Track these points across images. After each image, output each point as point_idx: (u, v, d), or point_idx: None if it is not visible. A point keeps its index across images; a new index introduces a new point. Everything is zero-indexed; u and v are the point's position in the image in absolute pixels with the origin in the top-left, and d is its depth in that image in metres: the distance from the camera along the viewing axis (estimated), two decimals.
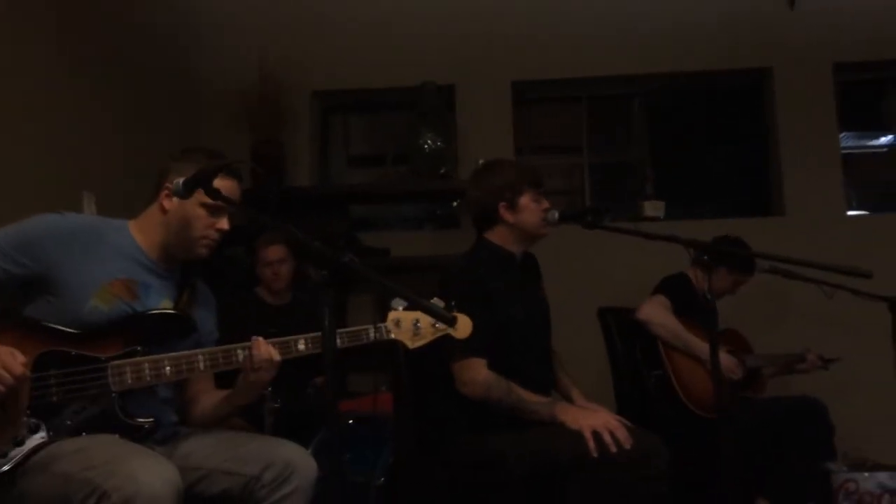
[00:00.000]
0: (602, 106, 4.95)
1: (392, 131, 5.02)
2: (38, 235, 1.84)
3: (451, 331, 2.04)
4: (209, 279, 2.23)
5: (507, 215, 2.57)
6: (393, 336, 2.01)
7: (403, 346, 2.04)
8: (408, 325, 2.01)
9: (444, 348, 2.22)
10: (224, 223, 1.96)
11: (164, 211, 1.96)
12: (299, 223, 4.25)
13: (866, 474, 3.49)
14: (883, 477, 3.47)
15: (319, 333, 1.88)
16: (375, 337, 1.98)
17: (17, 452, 1.67)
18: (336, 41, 4.64)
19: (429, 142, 4.30)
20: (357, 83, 4.69)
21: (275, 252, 3.58)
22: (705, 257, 2.14)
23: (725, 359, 3.10)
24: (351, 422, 2.89)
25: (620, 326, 3.32)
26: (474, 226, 2.70)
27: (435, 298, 2.00)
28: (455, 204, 4.81)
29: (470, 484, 2.42)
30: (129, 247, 1.95)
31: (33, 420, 1.71)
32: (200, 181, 1.72)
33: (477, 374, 2.36)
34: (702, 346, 3.07)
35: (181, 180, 1.76)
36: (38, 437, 1.70)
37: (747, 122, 4.77)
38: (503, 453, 2.33)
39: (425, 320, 2.02)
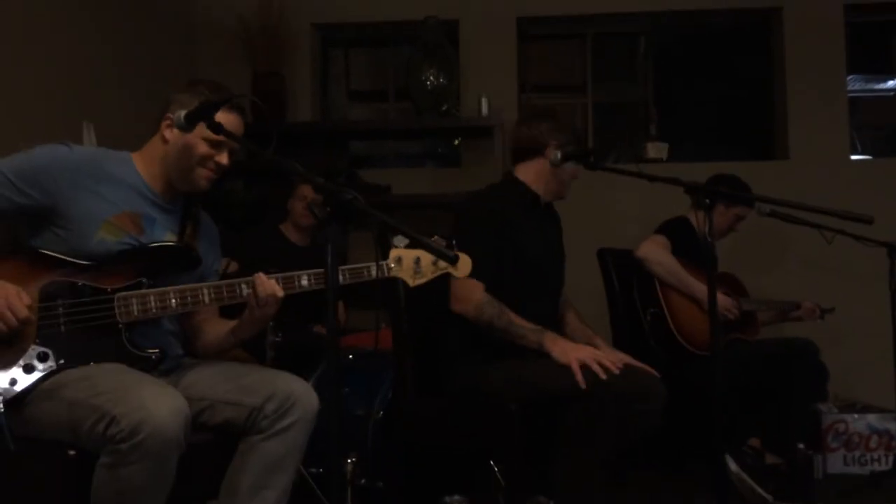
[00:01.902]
0: (607, 44, 4.86)
1: (393, 66, 4.94)
2: (45, 166, 1.83)
3: (451, 269, 2.05)
4: (211, 216, 2.23)
5: (552, 157, 2.59)
6: (394, 274, 2.02)
7: (404, 283, 2.05)
8: (409, 263, 2.02)
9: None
10: (224, 157, 1.95)
11: (165, 141, 1.95)
12: (299, 159, 4.27)
13: (856, 415, 3.57)
14: (872, 418, 3.55)
15: (322, 270, 1.93)
16: (377, 274, 1.99)
17: (27, 380, 1.70)
18: None
19: (431, 78, 4.23)
20: (358, 15, 4.60)
21: (310, 191, 3.59)
22: (707, 200, 2.13)
23: (722, 298, 3.14)
24: (351, 357, 2.91)
25: (619, 267, 3.33)
26: (511, 153, 2.73)
27: (436, 237, 2.00)
28: (456, 142, 4.78)
29: (467, 416, 2.47)
30: (134, 180, 1.95)
31: (42, 349, 1.73)
32: (203, 114, 1.71)
33: (472, 293, 2.42)
34: (698, 286, 3.10)
35: (183, 112, 1.75)
36: (47, 366, 1.73)
37: (754, 64, 4.70)
38: (499, 385, 2.38)
39: (426, 258, 2.03)
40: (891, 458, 3.46)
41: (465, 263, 2.08)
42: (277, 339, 2.92)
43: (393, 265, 2.01)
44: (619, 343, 3.25)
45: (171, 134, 1.93)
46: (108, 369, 1.73)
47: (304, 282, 1.95)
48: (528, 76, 4.72)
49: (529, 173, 2.66)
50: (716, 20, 4.67)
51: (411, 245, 2.02)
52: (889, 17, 4.62)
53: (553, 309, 2.70)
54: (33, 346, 1.73)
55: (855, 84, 4.73)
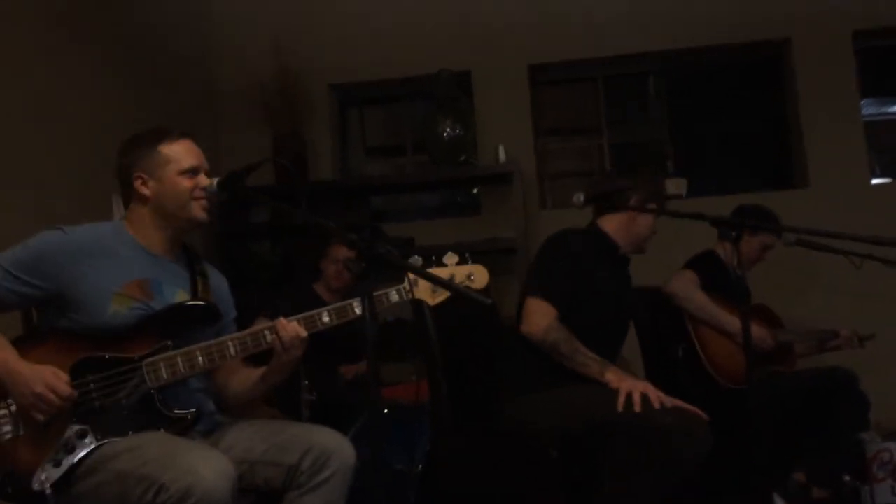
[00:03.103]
0: (618, 85, 4.92)
1: (409, 120, 5.03)
2: (43, 254, 1.86)
3: (468, 282, 2.05)
4: (238, 277, 2.26)
5: (635, 210, 2.69)
6: (413, 295, 2.02)
7: (426, 304, 2.04)
8: (426, 283, 2.02)
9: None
10: (204, 179, 1.98)
11: (145, 200, 1.98)
12: (321, 217, 4.33)
13: None
14: None
15: (342, 304, 1.98)
16: (398, 297, 2.00)
17: (69, 459, 1.72)
18: (350, 32, 4.65)
19: (447, 129, 4.30)
20: (373, 74, 4.71)
21: (344, 251, 3.63)
22: (732, 232, 2.14)
23: (757, 330, 3.11)
24: (386, 410, 2.91)
25: (648, 304, 3.32)
26: (594, 204, 2.79)
27: (448, 254, 2.05)
28: (475, 191, 4.83)
29: (506, 460, 2.46)
30: (132, 247, 1.98)
31: (80, 426, 1.75)
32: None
33: (543, 317, 2.47)
34: (730, 319, 3.09)
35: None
36: (88, 442, 1.74)
37: (767, 95, 4.73)
38: (541, 416, 2.40)
39: (443, 275, 2.02)
40: None
41: (480, 274, 2.08)
42: (312, 397, 2.94)
43: (409, 287, 2.01)
44: (651, 379, 3.22)
45: (149, 188, 1.97)
46: (150, 438, 1.75)
47: (326, 318, 1.97)
48: (543, 121, 4.78)
49: (612, 224, 2.73)
50: (725, 55, 4.72)
51: (426, 269, 2.02)
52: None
53: (612, 359, 2.70)
54: (71, 426, 1.75)
55: (869, 108, 4.74)
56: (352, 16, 4.66)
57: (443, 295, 2.03)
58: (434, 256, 2.06)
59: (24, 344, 1.82)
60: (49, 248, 1.88)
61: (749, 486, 3.05)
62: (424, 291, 2.02)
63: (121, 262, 1.93)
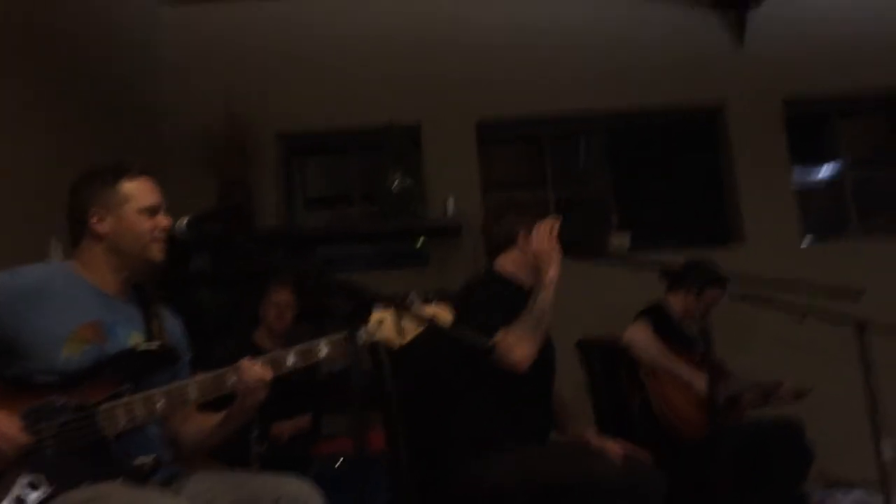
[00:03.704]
0: (564, 142, 5.06)
1: (352, 172, 5.03)
2: None
3: (435, 317, 1.96)
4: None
5: (524, 243, 2.64)
6: (378, 337, 1.93)
7: (388, 344, 1.95)
8: (389, 323, 1.94)
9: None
10: (164, 219, 1.92)
11: (100, 238, 1.89)
12: (266, 264, 4.22)
13: (842, 493, 3.57)
14: (857, 494, 3.56)
15: (307, 345, 1.91)
16: (364, 339, 1.91)
17: None
18: (299, 83, 4.67)
19: (396, 181, 4.33)
20: (321, 125, 4.71)
21: (284, 295, 3.57)
22: (699, 285, 2.18)
23: (707, 380, 3.16)
24: (338, 464, 2.83)
25: (600, 355, 3.35)
26: (487, 252, 2.75)
27: (412, 292, 1.99)
28: (419, 243, 4.83)
29: None
30: (82, 289, 1.88)
31: (31, 476, 1.63)
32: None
33: (507, 338, 2.38)
34: (685, 369, 3.14)
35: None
36: (40, 494, 1.62)
37: (705, 154, 4.93)
38: (503, 478, 2.34)
39: (408, 315, 1.95)
40: None
41: (443, 314, 2.01)
42: (261, 449, 2.84)
43: (375, 328, 1.92)
44: (604, 432, 3.23)
45: (105, 226, 1.89)
46: (109, 489, 1.63)
47: (291, 360, 1.89)
48: (491, 175, 4.85)
49: (507, 264, 2.70)
50: (664, 117, 4.91)
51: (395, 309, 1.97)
52: (824, 110, 4.93)
53: (549, 407, 2.68)
54: (21, 476, 1.63)
55: (797, 174, 4.98)
56: (301, 66, 4.68)
57: (407, 336, 1.96)
58: (397, 299, 2.00)
59: None
60: None
61: None
62: (389, 331, 1.94)
63: (72, 304, 1.83)
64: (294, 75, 4.66)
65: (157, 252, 1.92)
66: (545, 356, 2.65)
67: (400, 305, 1.89)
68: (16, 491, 1.61)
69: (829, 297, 2.24)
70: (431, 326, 1.84)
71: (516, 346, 2.37)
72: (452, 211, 4.29)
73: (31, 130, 3.17)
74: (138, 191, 1.92)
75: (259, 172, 4.59)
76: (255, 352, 3.52)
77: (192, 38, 4.59)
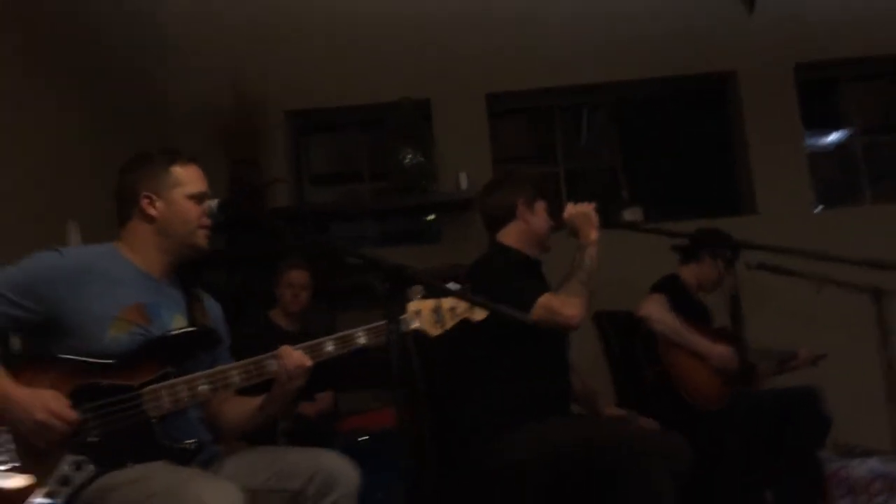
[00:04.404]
0: (573, 115, 5.04)
1: (361, 149, 5.02)
2: (39, 276, 1.79)
3: (468, 314, 2.00)
4: None
5: (525, 215, 2.66)
6: (416, 326, 1.97)
7: (425, 334, 1.99)
8: (428, 313, 1.98)
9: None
10: (208, 206, 1.96)
11: (150, 220, 1.92)
12: (280, 244, 4.23)
13: (857, 461, 3.60)
14: (873, 463, 3.58)
15: (345, 333, 1.93)
16: (402, 329, 1.91)
17: (66, 491, 1.63)
18: (307, 61, 4.63)
19: (409, 157, 4.31)
20: (330, 102, 4.69)
21: (299, 276, 3.60)
22: (730, 251, 2.20)
23: (725, 350, 3.19)
24: (364, 438, 2.86)
25: (617, 328, 3.37)
26: (487, 227, 2.76)
27: (451, 283, 1.96)
28: (430, 218, 4.83)
29: (494, 492, 2.42)
30: (127, 270, 1.91)
31: (76, 456, 1.67)
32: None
33: (555, 299, 2.43)
34: (701, 341, 3.16)
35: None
36: (85, 473, 1.66)
37: (715, 124, 4.91)
38: (519, 456, 2.36)
39: (445, 306, 1.99)
40: (895, 501, 3.48)
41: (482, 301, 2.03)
42: (287, 425, 2.88)
43: (413, 318, 1.96)
44: (622, 404, 3.26)
45: (155, 209, 1.92)
46: (153, 469, 1.67)
47: (330, 348, 1.92)
48: (501, 149, 4.84)
49: (511, 237, 2.70)
50: (674, 86, 4.88)
51: (432, 295, 1.98)
52: (836, 74, 4.90)
53: (568, 376, 2.70)
54: (66, 456, 1.66)
55: (807, 139, 4.96)
56: (309, 43, 4.64)
57: (444, 326, 1.99)
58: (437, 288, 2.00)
59: (13, 371, 1.72)
60: (46, 270, 1.80)
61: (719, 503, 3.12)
62: (427, 321, 1.98)
63: (118, 285, 1.86)
64: (302, 53, 4.63)
65: (202, 238, 1.96)
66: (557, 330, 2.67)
67: (439, 294, 1.90)
68: (61, 470, 1.64)
69: (868, 268, 2.24)
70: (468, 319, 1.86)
71: (567, 304, 2.40)
72: (465, 185, 4.28)
73: (45, 115, 3.17)
74: (189, 177, 1.96)
75: (269, 151, 4.58)
76: (272, 330, 3.59)
77: (200, 15, 4.55)
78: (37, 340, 1.82)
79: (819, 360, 3.67)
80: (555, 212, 2.72)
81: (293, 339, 3.70)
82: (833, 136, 5.19)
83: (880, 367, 3.46)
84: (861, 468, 3.57)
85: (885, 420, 3.47)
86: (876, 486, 3.55)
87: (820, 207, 4.84)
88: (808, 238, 4.27)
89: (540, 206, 2.69)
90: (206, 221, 1.95)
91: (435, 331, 1.99)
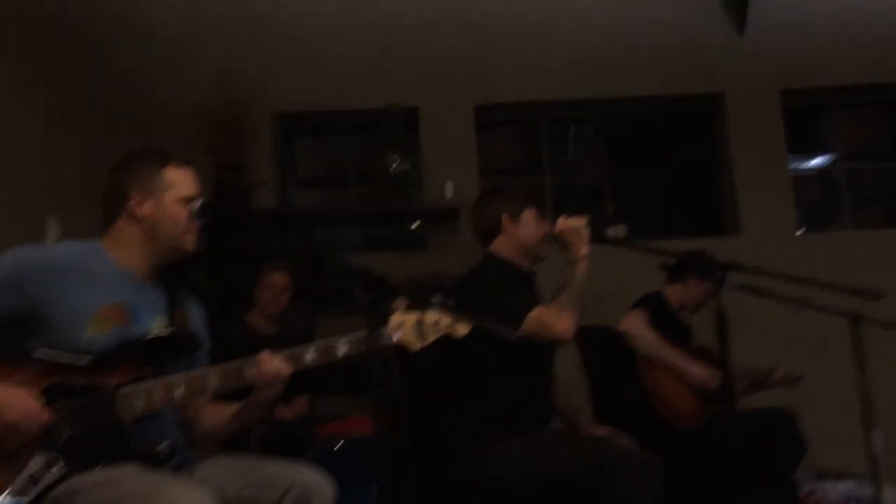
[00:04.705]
0: (561, 129, 5.06)
1: (348, 153, 5.01)
2: (18, 271, 1.75)
3: (450, 330, 1.97)
4: None
5: (510, 226, 2.66)
6: (397, 338, 1.93)
7: (407, 349, 1.95)
8: (410, 326, 1.94)
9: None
10: (198, 208, 1.94)
11: (138, 220, 1.89)
12: (264, 245, 4.21)
13: (831, 484, 3.62)
14: (847, 486, 3.61)
15: (326, 342, 1.90)
16: (383, 342, 1.90)
17: (35, 491, 1.59)
18: (296, 63, 4.62)
19: (395, 164, 4.31)
20: (318, 105, 4.67)
21: (280, 278, 3.58)
22: (718, 273, 2.20)
23: (702, 370, 3.20)
24: (338, 445, 2.84)
25: (596, 344, 3.37)
26: (480, 240, 2.77)
27: (435, 297, 1.97)
28: (414, 226, 4.82)
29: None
30: (110, 269, 1.87)
31: (46, 456, 1.63)
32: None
33: (546, 312, 2.43)
34: (679, 358, 3.17)
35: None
36: (55, 473, 1.62)
37: (702, 144, 4.94)
38: (499, 472, 2.34)
39: (429, 320, 1.96)
40: None
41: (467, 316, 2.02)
42: (263, 430, 2.85)
43: (395, 331, 1.93)
44: (600, 421, 3.25)
45: (144, 210, 1.88)
46: (125, 472, 1.64)
47: (310, 357, 1.89)
48: (489, 160, 4.84)
49: (501, 248, 2.70)
50: (662, 104, 4.91)
51: (417, 308, 1.96)
52: (822, 101, 4.95)
53: (549, 391, 2.70)
54: (37, 455, 1.63)
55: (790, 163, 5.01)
56: (298, 46, 4.64)
57: (426, 340, 1.96)
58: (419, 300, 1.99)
59: None
60: (26, 265, 1.76)
61: None
62: (409, 334, 1.94)
63: (99, 283, 1.82)
64: (291, 55, 4.62)
65: (190, 243, 1.93)
66: (545, 345, 2.67)
67: (422, 307, 1.88)
68: (30, 469, 1.61)
69: (849, 295, 2.25)
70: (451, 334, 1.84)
71: (558, 318, 2.40)
72: (451, 194, 4.28)
73: (27, 110, 3.13)
74: (181, 180, 1.93)
75: (255, 152, 4.55)
76: (249, 335, 3.56)
77: (189, 15, 4.53)
78: (12, 336, 1.77)
79: (795, 381, 3.69)
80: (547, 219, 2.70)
81: (271, 342, 3.68)
82: (816, 161, 5.25)
83: (856, 391, 3.49)
84: (835, 491, 3.59)
85: (860, 444, 3.49)
86: None
87: (802, 230, 4.88)
88: (790, 260, 4.30)
89: (528, 215, 2.67)
90: (196, 226, 1.92)
91: (417, 344, 1.95)
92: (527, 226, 2.67)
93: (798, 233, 4.81)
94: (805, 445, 3.27)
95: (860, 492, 3.59)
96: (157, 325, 1.88)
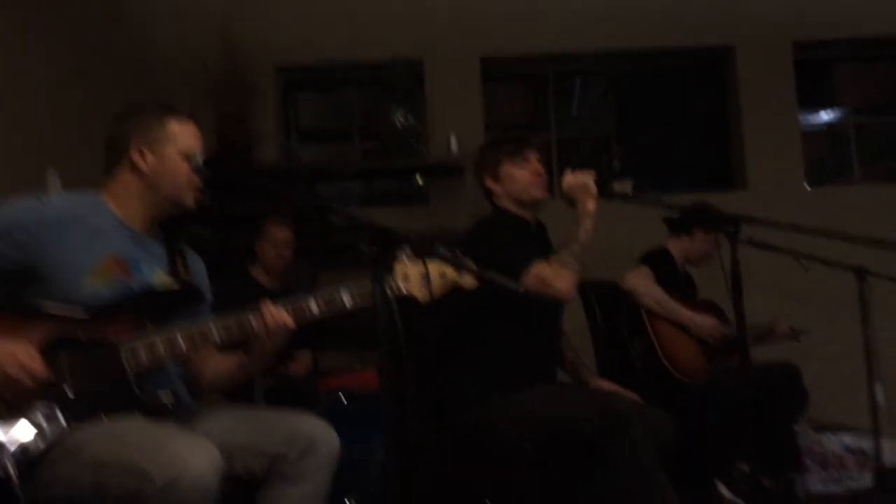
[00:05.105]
0: (569, 83, 4.99)
1: (352, 107, 4.96)
2: (17, 222, 1.74)
3: (459, 281, 1.96)
4: None
5: (496, 188, 2.64)
6: (404, 290, 1.92)
7: (413, 300, 1.94)
8: (416, 278, 1.92)
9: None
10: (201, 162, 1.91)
11: (139, 173, 1.87)
12: (267, 201, 4.19)
13: (830, 436, 3.65)
14: (846, 438, 3.64)
15: (330, 294, 1.88)
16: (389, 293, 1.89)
17: (38, 443, 1.60)
18: (299, 15, 4.54)
19: (400, 118, 4.26)
20: (321, 58, 4.61)
21: (283, 233, 3.56)
22: (731, 226, 2.18)
23: (708, 322, 3.21)
24: (344, 399, 2.86)
25: (602, 299, 3.37)
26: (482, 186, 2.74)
27: (441, 246, 1.91)
28: (419, 180, 4.79)
29: (475, 456, 2.43)
30: (111, 222, 1.86)
31: (48, 409, 1.63)
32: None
33: (547, 269, 2.38)
34: (687, 314, 3.17)
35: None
36: (57, 425, 1.63)
37: (710, 98, 4.87)
38: (503, 424, 2.36)
39: (434, 271, 1.93)
40: (866, 476, 3.54)
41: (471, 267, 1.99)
42: (267, 384, 2.87)
43: (401, 282, 1.92)
44: (604, 375, 3.25)
45: (146, 162, 1.86)
46: (129, 424, 1.65)
47: (314, 309, 1.87)
48: (494, 115, 4.79)
49: (503, 202, 2.68)
50: (672, 58, 4.83)
51: (424, 260, 1.91)
52: (833, 54, 4.87)
53: (557, 342, 2.70)
54: (39, 408, 1.63)
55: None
56: None
57: (434, 291, 1.94)
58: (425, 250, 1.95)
59: None
60: (25, 216, 1.75)
61: (695, 475, 3.15)
62: (415, 286, 1.92)
63: (98, 235, 1.81)
64: (295, 7, 4.54)
65: (190, 199, 1.91)
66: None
67: (428, 257, 1.86)
68: (33, 421, 1.61)
69: (866, 247, 2.23)
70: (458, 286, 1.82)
71: (559, 275, 2.38)
72: (456, 148, 4.24)
73: (28, 62, 3.10)
74: (183, 133, 1.90)
75: (257, 105, 4.51)
76: (253, 288, 3.56)
77: None
78: (11, 289, 1.78)
79: (798, 335, 3.69)
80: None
81: (274, 298, 3.70)
82: (826, 115, 5.18)
83: (860, 345, 3.50)
84: (835, 443, 3.62)
85: (863, 398, 3.52)
86: (848, 461, 3.61)
87: (811, 185, 4.84)
88: (797, 215, 4.28)
89: (506, 170, 2.61)
90: (198, 181, 1.89)
91: (424, 296, 1.94)
92: (508, 181, 2.62)
93: (807, 188, 4.77)
94: (807, 399, 3.29)
95: (859, 444, 3.61)
96: (158, 279, 1.87)
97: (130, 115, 1.90)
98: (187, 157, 1.88)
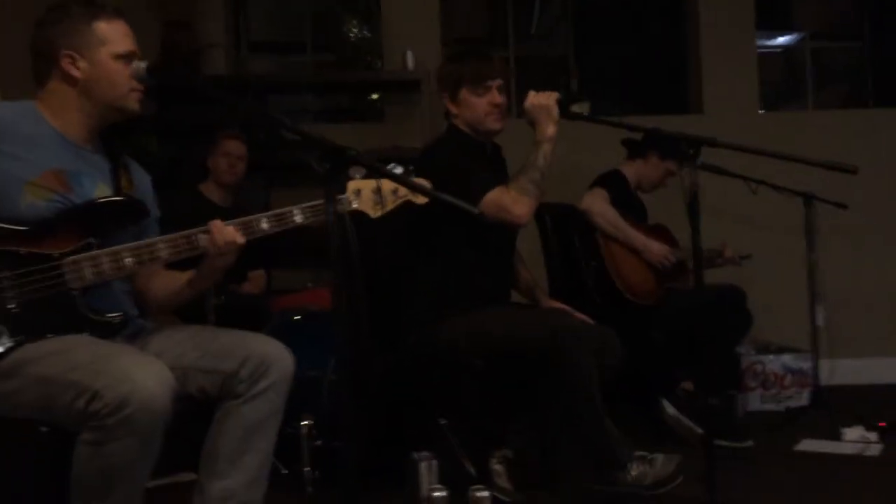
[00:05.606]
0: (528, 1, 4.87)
1: (305, 17, 4.76)
2: None
3: (411, 197, 1.94)
4: None
5: (452, 108, 2.60)
6: (355, 206, 1.90)
7: (365, 216, 1.92)
8: (368, 194, 1.90)
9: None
10: (142, 65, 1.80)
11: (73, 81, 1.76)
12: (214, 112, 4.05)
13: (772, 356, 3.79)
14: (787, 359, 3.78)
15: (281, 211, 1.84)
16: (340, 209, 1.85)
17: None
18: None
19: (354, 30, 4.12)
20: None
21: (236, 146, 3.46)
22: (690, 151, 2.17)
23: (659, 247, 3.24)
24: (298, 317, 2.84)
25: (557, 221, 3.37)
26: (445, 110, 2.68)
27: (393, 164, 1.88)
28: (374, 96, 4.68)
29: (427, 374, 2.46)
30: (47, 133, 1.76)
31: None
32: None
33: (506, 195, 2.37)
34: (639, 237, 3.20)
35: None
36: (3, 344, 1.57)
37: (668, 21, 4.81)
38: (461, 339, 2.38)
39: (387, 187, 1.91)
40: (804, 395, 3.69)
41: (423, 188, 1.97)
42: (219, 301, 2.82)
43: (352, 198, 1.89)
44: (556, 296, 3.29)
45: (80, 69, 1.75)
46: (78, 341, 1.60)
47: (265, 225, 1.83)
48: (450, 30, 4.66)
49: (460, 124, 2.63)
50: None
51: (371, 176, 1.89)
52: None
53: (510, 262, 2.71)
54: None
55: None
56: None
57: (384, 208, 1.92)
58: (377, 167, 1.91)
59: None
60: None
61: (640, 394, 3.25)
62: (366, 202, 1.90)
63: (36, 148, 1.71)
64: None
65: (133, 101, 1.81)
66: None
67: (380, 175, 1.82)
68: None
69: (826, 170, 2.26)
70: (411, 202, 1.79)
71: (518, 202, 2.36)
72: (412, 65, 4.12)
73: None
74: (114, 34, 1.77)
75: (204, 13, 4.30)
76: (204, 204, 3.47)
77: None
78: None
79: (744, 259, 3.77)
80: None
81: (225, 215, 3.60)
82: (782, 39, 5.17)
83: (805, 269, 3.60)
84: (775, 363, 3.76)
85: (805, 321, 3.64)
86: (787, 381, 3.76)
87: (764, 109, 4.87)
88: (751, 139, 4.30)
89: (464, 95, 2.55)
90: (137, 84, 1.79)
91: (375, 212, 1.92)
92: (465, 106, 2.56)
93: (760, 111, 4.80)
94: (750, 320, 3.38)
95: (799, 364, 3.75)
96: (99, 192, 1.79)
97: (54, 20, 1.76)
98: (123, 60, 1.77)
